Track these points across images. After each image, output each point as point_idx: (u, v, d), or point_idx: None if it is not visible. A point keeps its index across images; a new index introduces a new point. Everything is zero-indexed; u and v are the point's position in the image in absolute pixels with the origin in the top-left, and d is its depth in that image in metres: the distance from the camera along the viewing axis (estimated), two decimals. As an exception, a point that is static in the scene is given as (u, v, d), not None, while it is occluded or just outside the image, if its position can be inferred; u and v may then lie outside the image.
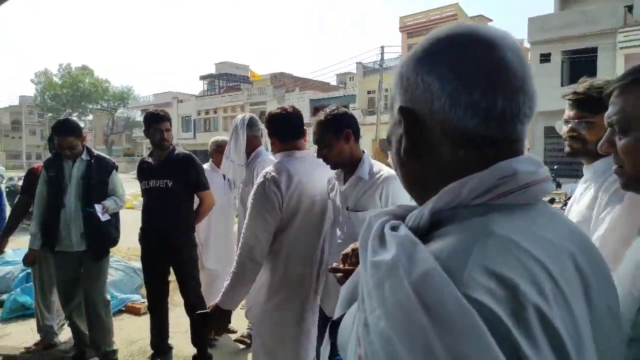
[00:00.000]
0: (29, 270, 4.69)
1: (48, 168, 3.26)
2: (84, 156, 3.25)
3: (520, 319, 0.43)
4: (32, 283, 4.09)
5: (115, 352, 3.40)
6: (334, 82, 39.58)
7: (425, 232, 0.55)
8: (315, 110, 34.57)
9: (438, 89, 0.56)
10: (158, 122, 3.20)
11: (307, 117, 33.46)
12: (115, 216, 3.39)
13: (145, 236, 3.33)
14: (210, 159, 4.09)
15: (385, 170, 2.04)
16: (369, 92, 31.46)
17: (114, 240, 3.40)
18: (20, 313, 4.27)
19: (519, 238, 0.49)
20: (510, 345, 0.41)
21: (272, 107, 35.52)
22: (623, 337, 0.62)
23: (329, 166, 2.05)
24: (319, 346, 2.21)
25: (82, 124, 3.42)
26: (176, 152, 3.31)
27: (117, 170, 3.44)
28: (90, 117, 58.83)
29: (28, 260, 3.34)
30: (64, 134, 3.13)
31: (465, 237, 0.50)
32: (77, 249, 3.20)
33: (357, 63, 31.54)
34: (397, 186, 1.95)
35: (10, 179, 11.94)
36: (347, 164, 2.04)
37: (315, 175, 2.19)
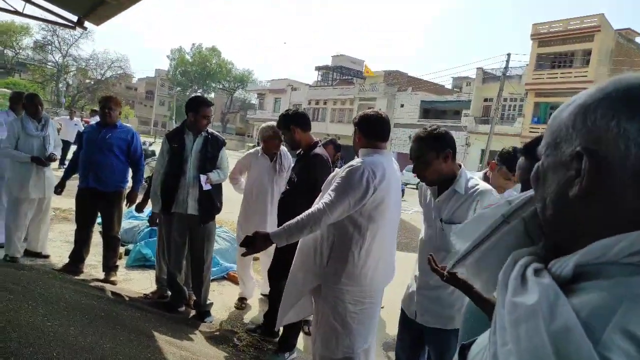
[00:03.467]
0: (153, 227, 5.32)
1: (171, 140, 3.65)
2: (203, 133, 3.65)
3: None
4: (155, 238, 4.62)
5: (210, 305, 3.80)
6: (449, 86, 38.24)
7: (567, 283, 0.55)
8: (425, 112, 33.93)
9: (638, 137, 0.55)
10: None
11: (415, 118, 32.98)
12: (218, 187, 3.76)
13: None
14: (262, 145, 4.12)
15: (482, 185, 2.08)
16: (485, 100, 29.93)
17: (217, 209, 3.77)
18: (141, 263, 4.84)
19: None
20: None
21: (381, 104, 35.45)
22: None
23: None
24: (398, 345, 2.29)
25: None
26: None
27: (225, 146, 3.83)
28: (213, 95, 63.65)
29: (152, 221, 3.83)
30: (209, 104, 3.67)
31: (610, 297, 0.50)
32: (190, 211, 3.60)
33: (477, 68, 30.14)
34: (493, 199, 2.01)
35: (143, 143, 13.29)
36: (441, 181, 2.12)
37: (397, 176, 2.42)
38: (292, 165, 3.55)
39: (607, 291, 0.51)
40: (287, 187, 3.29)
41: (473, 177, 2.13)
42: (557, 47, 26.27)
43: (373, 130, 2.43)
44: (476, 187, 2.04)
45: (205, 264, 3.74)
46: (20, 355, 1.91)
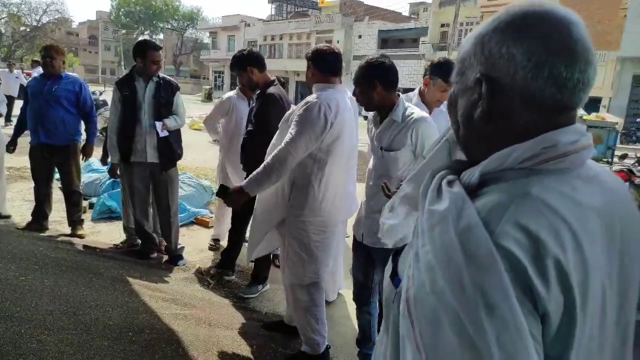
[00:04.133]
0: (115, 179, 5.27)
1: (122, 88, 3.55)
2: (154, 78, 3.57)
3: (538, 263, 0.55)
4: (118, 189, 4.60)
5: (182, 249, 3.92)
6: (406, 13, 37.52)
7: (474, 189, 0.66)
8: (383, 42, 33.45)
9: (523, 60, 0.64)
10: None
11: (374, 48, 32.47)
12: (176, 133, 3.75)
13: None
14: (239, 87, 4.04)
15: (417, 113, 2.20)
16: (442, 26, 29.65)
17: (178, 155, 3.78)
18: (107, 215, 4.84)
19: (550, 199, 0.60)
20: (526, 283, 0.55)
21: (339, 36, 34.54)
22: None
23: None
24: (354, 266, 2.50)
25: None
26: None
27: (179, 91, 3.79)
28: (161, 36, 60.17)
29: (112, 172, 3.82)
30: (157, 48, 3.56)
31: (505, 196, 0.61)
32: (150, 160, 3.60)
33: (433, -8, 29.56)
34: (426, 127, 2.14)
35: (93, 93, 12.66)
36: (378, 108, 2.24)
37: (350, 110, 2.49)
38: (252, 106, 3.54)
39: (503, 192, 0.62)
40: (248, 129, 3.31)
41: (410, 105, 2.24)
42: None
43: (326, 65, 2.46)
44: (412, 115, 2.16)
45: (171, 210, 3.80)
46: (-2, 310, 1.97)
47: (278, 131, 2.50)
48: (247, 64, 3.29)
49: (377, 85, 2.13)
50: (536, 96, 0.64)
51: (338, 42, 33.49)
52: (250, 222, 2.68)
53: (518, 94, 0.66)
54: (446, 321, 0.56)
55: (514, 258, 0.55)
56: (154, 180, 3.74)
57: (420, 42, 30.18)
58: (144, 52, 3.48)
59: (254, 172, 2.30)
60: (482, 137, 0.72)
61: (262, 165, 2.28)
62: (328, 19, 35.20)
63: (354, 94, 2.26)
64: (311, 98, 2.35)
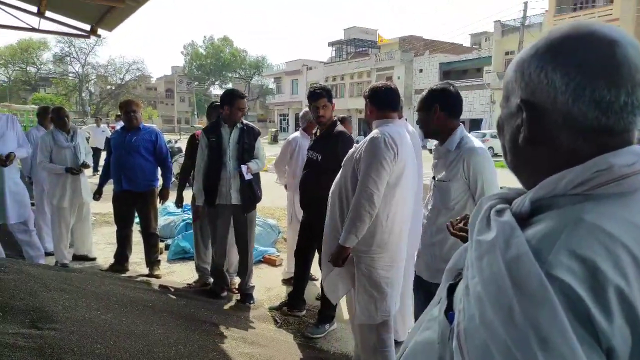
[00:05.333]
0: (188, 220, 5.54)
1: (209, 134, 3.76)
2: (239, 124, 3.74)
3: (598, 294, 0.51)
4: (191, 231, 4.82)
5: (253, 288, 3.96)
6: (467, 44, 37.16)
7: (526, 217, 0.63)
8: (445, 75, 33.20)
9: (562, 84, 0.62)
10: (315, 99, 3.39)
11: (436, 81, 32.17)
12: (257, 176, 3.86)
13: None
14: (302, 127, 4.33)
15: (470, 143, 2.11)
16: (506, 54, 28.95)
17: (258, 197, 3.88)
18: (181, 256, 5.08)
19: (606, 224, 0.55)
20: (584, 314, 0.50)
21: (399, 72, 34.76)
22: None
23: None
24: (415, 305, 2.39)
25: (222, 92, 3.86)
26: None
27: (260, 137, 3.91)
28: (230, 85, 63.96)
29: (198, 215, 3.96)
30: (243, 96, 3.80)
31: (557, 224, 0.57)
32: (234, 202, 3.73)
33: (494, 21, 29.11)
34: (479, 158, 2.04)
35: (169, 141, 13.62)
36: (436, 134, 2.19)
37: (410, 142, 2.51)
38: (309, 145, 3.60)
39: (554, 219, 0.59)
40: (308, 167, 3.35)
41: (469, 135, 2.17)
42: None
43: (383, 101, 2.50)
44: (466, 145, 2.09)
45: (249, 251, 3.90)
46: (81, 346, 2.10)
47: (342, 169, 2.52)
48: (330, 97, 3.37)
49: (436, 110, 2.11)
50: (579, 120, 0.62)
51: (399, 77, 33.73)
52: (322, 262, 2.66)
53: (561, 119, 0.64)
54: (497, 355, 0.53)
55: (568, 288, 0.51)
56: (235, 222, 3.87)
57: (484, 72, 29.61)
58: (232, 100, 3.70)
59: (346, 225, 2.33)
60: (529, 163, 0.70)
61: (350, 215, 2.32)
62: (387, 56, 35.70)
63: (417, 122, 2.25)
64: (374, 133, 2.38)
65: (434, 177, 2.18)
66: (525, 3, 23.46)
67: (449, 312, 0.78)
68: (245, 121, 3.84)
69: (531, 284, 0.52)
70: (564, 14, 25.69)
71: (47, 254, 4.83)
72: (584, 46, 0.62)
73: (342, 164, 2.55)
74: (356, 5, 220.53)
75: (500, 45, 29.14)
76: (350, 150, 2.56)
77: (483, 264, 0.60)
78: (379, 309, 2.40)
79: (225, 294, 4.02)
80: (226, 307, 3.72)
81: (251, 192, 3.76)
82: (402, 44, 36.93)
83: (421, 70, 33.81)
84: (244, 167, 3.64)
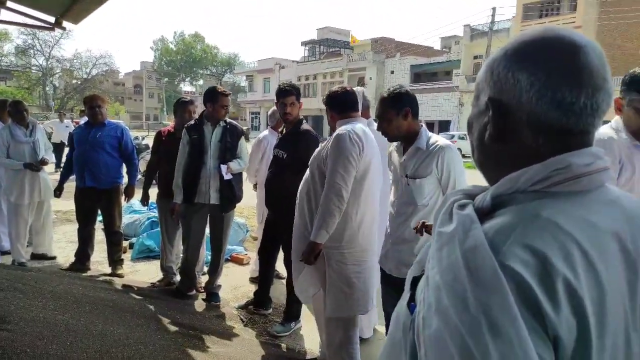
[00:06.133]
0: (153, 219, 5.43)
1: (190, 132, 3.67)
2: (222, 122, 3.68)
3: (547, 284, 0.53)
4: (157, 229, 4.73)
5: (219, 287, 3.91)
6: (438, 47, 37.82)
7: (487, 212, 0.65)
8: (415, 77, 33.69)
9: (527, 84, 0.65)
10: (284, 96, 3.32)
11: (407, 83, 32.70)
12: (238, 176, 3.80)
13: None
14: (271, 125, 4.41)
15: (441, 141, 2.19)
16: (475, 57, 29.64)
17: (238, 198, 3.82)
18: (146, 255, 4.97)
19: (561, 220, 0.58)
20: (533, 303, 0.53)
21: (371, 73, 35.00)
22: None
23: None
24: (385, 301, 2.39)
25: (192, 89, 3.79)
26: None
27: (244, 136, 3.85)
28: (201, 82, 63.06)
29: (174, 213, 3.75)
30: (227, 94, 3.69)
31: (514, 218, 0.60)
32: (212, 201, 3.66)
33: (464, 26, 29.78)
34: (452, 155, 2.13)
35: (136, 138, 13.29)
36: (404, 138, 2.24)
37: (373, 139, 2.52)
38: (275, 143, 3.58)
39: (513, 214, 0.61)
40: (274, 166, 3.32)
41: (432, 134, 2.24)
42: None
43: (342, 104, 2.56)
44: (436, 143, 2.16)
45: (222, 251, 3.86)
46: (35, 347, 2.03)
47: (309, 168, 2.53)
48: (298, 96, 3.32)
49: (408, 114, 2.15)
50: (541, 119, 0.65)
51: (370, 78, 34.00)
52: (292, 262, 2.65)
53: (524, 117, 0.67)
54: (450, 341, 0.55)
55: (520, 277, 0.54)
56: (212, 222, 3.81)
57: (453, 75, 30.21)
58: (215, 97, 3.61)
59: (316, 221, 2.34)
60: (494, 160, 0.73)
61: (320, 211, 2.33)
62: (360, 57, 35.94)
63: (378, 128, 2.25)
64: (339, 131, 2.42)
65: (406, 175, 2.20)
66: (494, 9, 24.05)
67: (411, 304, 0.80)
68: (229, 119, 3.78)
69: (485, 273, 0.54)
70: (530, 20, 26.50)
71: (4, 252, 4.65)
72: (550, 50, 0.65)
73: (309, 163, 2.55)
74: (329, 5, 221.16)
75: (469, 49, 29.79)
76: (317, 149, 2.57)
77: (442, 254, 0.62)
78: (351, 303, 2.42)
79: (193, 292, 3.95)
80: (191, 306, 3.66)
81: (231, 191, 3.69)
82: (374, 46, 37.21)
83: (393, 72, 34.18)
84: (223, 167, 3.58)
